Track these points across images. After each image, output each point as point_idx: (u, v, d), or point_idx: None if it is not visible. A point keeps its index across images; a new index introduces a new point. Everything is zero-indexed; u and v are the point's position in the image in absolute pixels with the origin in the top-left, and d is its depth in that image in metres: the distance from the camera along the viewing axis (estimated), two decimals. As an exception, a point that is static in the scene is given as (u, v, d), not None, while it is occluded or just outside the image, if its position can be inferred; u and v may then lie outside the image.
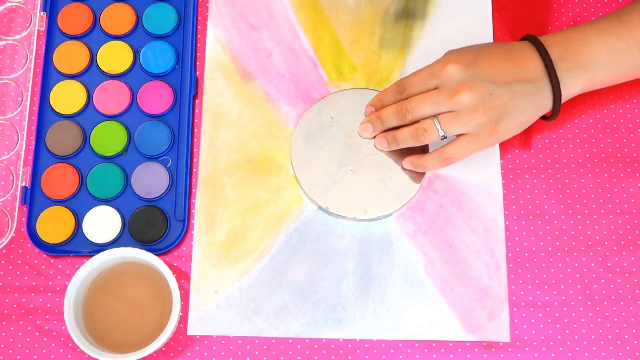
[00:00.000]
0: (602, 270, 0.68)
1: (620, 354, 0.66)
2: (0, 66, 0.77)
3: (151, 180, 0.72)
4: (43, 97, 0.75)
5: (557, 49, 0.64)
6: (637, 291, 0.68)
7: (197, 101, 0.75)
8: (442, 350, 0.66)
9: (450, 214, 0.70)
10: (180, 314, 0.66)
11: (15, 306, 0.69)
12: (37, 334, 0.68)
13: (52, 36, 0.77)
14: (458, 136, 0.65)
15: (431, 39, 0.76)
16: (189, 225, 0.71)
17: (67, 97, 0.75)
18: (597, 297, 0.68)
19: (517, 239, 0.69)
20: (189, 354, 0.67)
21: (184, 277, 0.69)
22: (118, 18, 0.77)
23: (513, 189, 0.71)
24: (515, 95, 0.63)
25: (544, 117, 0.67)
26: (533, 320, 0.67)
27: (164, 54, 0.75)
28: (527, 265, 0.69)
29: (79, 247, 0.70)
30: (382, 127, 0.69)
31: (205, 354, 0.67)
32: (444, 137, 0.65)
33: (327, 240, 0.70)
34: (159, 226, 0.70)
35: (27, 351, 0.67)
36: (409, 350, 0.67)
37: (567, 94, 0.65)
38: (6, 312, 0.69)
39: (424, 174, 0.70)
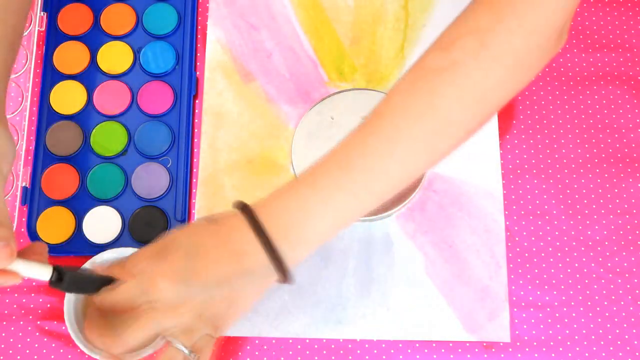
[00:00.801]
0: (602, 270, 0.68)
1: (620, 354, 0.66)
2: (0, 66, 0.77)
3: (151, 180, 0.72)
4: (43, 97, 0.75)
5: (275, 225, 0.53)
6: (637, 291, 0.68)
7: (197, 101, 0.75)
8: (442, 350, 0.66)
9: (450, 214, 0.70)
10: (180, 314, 0.66)
11: (15, 306, 0.69)
12: (37, 334, 0.68)
13: (52, 36, 0.77)
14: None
15: (431, 39, 0.76)
16: (189, 225, 0.71)
17: (67, 97, 0.75)
18: (597, 297, 0.68)
19: (517, 239, 0.69)
20: (189, 354, 0.67)
21: (184, 277, 0.69)
22: (118, 18, 0.77)
23: (513, 189, 0.71)
24: (236, 289, 0.54)
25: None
26: (533, 320, 0.67)
27: (164, 54, 0.75)
28: (527, 265, 0.69)
29: (79, 247, 0.70)
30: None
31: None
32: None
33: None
34: (159, 226, 0.70)
35: (27, 351, 0.67)
36: (409, 350, 0.67)
37: (297, 259, 0.55)
38: (6, 312, 0.69)
39: (423, 174, 0.70)
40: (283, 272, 0.54)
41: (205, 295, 0.53)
